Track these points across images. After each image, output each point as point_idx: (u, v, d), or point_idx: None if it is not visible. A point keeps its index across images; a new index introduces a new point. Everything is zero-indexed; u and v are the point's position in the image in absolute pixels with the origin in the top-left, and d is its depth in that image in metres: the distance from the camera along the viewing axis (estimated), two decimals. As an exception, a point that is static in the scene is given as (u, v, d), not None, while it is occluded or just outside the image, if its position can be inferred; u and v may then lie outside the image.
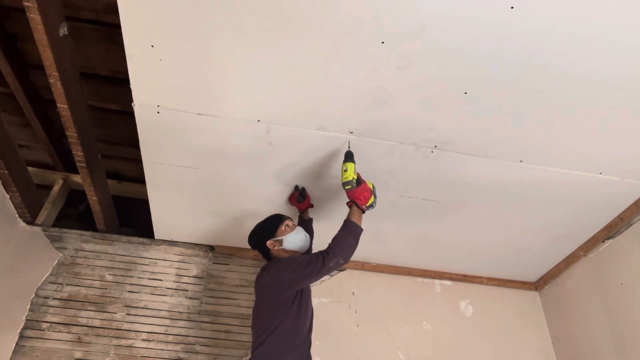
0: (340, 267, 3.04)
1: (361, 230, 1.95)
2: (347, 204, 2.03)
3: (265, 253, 2.13)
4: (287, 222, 2.15)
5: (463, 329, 3.02)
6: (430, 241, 2.84)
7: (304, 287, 1.98)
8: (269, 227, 2.13)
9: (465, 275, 3.18)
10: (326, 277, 3.01)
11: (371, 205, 2.03)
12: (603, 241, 2.70)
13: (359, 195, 1.96)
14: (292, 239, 2.08)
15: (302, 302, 1.97)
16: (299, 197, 2.37)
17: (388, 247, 2.91)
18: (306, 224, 2.42)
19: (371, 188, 2.03)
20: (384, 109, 1.95)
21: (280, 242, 2.08)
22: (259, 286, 2.04)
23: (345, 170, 1.96)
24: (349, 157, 2.02)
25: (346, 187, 1.95)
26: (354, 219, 1.95)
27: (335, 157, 2.20)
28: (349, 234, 1.92)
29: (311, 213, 2.51)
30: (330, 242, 1.92)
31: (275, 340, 1.89)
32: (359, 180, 1.98)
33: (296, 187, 2.40)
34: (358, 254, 2.96)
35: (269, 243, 2.08)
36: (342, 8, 1.57)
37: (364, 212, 1.99)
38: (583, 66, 1.73)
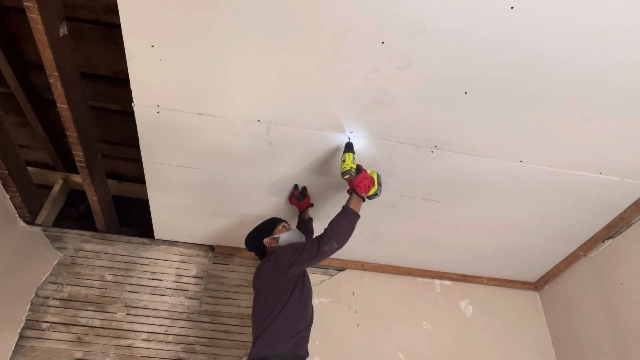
0: (336, 266, 3.05)
1: (357, 216, 1.98)
2: (348, 191, 2.06)
3: (262, 252, 2.19)
4: (284, 224, 2.24)
5: (463, 329, 3.02)
6: (430, 241, 2.84)
7: (302, 270, 2.02)
8: (267, 227, 2.22)
9: (465, 275, 3.18)
10: (326, 277, 3.01)
11: (375, 194, 2.05)
12: (603, 241, 2.70)
13: (358, 182, 1.99)
14: (288, 238, 2.14)
15: (303, 292, 2.02)
16: (299, 196, 2.38)
17: (388, 247, 2.91)
18: (306, 224, 2.43)
19: (375, 177, 2.05)
20: (384, 109, 1.95)
21: (277, 239, 2.15)
22: (260, 274, 2.08)
23: (344, 161, 1.98)
24: (348, 147, 2.03)
25: (345, 177, 1.97)
26: (351, 205, 1.98)
27: (335, 156, 2.20)
28: (344, 219, 1.95)
29: (311, 213, 2.52)
30: (326, 227, 1.95)
31: (281, 323, 1.91)
32: (359, 170, 2.00)
33: (296, 185, 2.41)
34: (358, 254, 3.00)
35: (265, 241, 2.16)
36: (342, 8, 1.57)
37: (364, 200, 2.02)
38: (583, 66, 1.73)
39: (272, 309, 1.94)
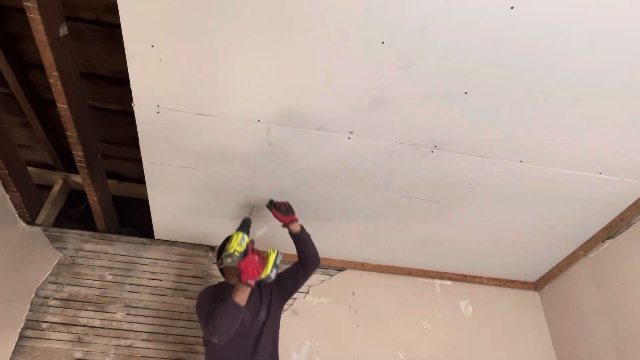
0: (336, 266, 3.04)
1: (238, 308, 1.83)
2: (235, 277, 1.93)
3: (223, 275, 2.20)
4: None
5: (463, 329, 3.02)
6: (430, 241, 2.84)
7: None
8: (221, 247, 2.18)
9: (465, 275, 3.18)
10: (326, 277, 3.02)
11: (268, 277, 1.86)
12: (603, 241, 2.70)
13: (243, 268, 1.84)
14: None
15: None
16: (276, 212, 2.25)
17: (388, 247, 2.91)
18: (296, 239, 2.25)
19: (271, 259, 1.88)
20: (384, 109, 1.95)
21: (222, 261, 2.01)
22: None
23: (228, 242, 1.89)
24: (241, 225, 1.94)
25: (227, 261, 1.84)
26: (234, 296, 1.84)
27: (336, 157, 2.20)
28: (224, 313, 1.84)
29: (308, 214, 2.48)
30: None
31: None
32: (246, 252, 1.87)
33: (271, 201, 2.30)
34: (358, 254, 3.00)
35: (218, 263, 2.16)
36: (342, 8, 1.57)
37: (252, 285, 1.85)
38: (583, 66, 1.73)
39: (204, 342, 2.00)
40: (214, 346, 1.93)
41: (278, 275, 1.91)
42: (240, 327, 1.90)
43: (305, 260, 2.24)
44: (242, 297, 1.84)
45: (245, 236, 1.89)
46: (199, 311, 1.99)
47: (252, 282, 1.84)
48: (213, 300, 1.96)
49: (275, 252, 1.91)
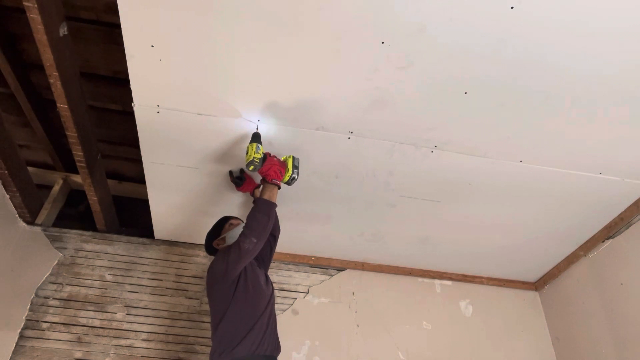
0: (336, 266, 3.04)
1: (272, 205, 1.95)
2: (260, 182, 2.02)
3: (216, 254, 2.19)
4: (232, 220, 2.23)
5: (463, 329, 3.02)
6: (430, 241, 2.84)
7: (236, 272, 1.95)
8: (215, 229, 2.23)
9: (465, 275, 3.18)
10: (326, 277, 3.01)
11: (292, 178, 2.00)
12: (603, 241, 2.70)
13: (266, 170, 1.95)
14: (234, 234, 2.11)
15: (247, 289, 1.97)
16: (237, 181, 2.29)
17: (388, 247, 2.91)
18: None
19: (289, 162, 2.01)
20: (384, 109, 1.95)
21: (224, 239, 2.15)
22: (206, 283, 2.09)
23: (247, 152, 1.92)
24: (253, 138, 1.97)
25: (250, 169, 1.90)
26: (264, 195, 1.96)
27: (336, 157, 2.20)
28: (258, 212, 1.92)
29: (308, 214, 2.49)
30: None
31: (222, 333, 1.91)
32: (265, 158, 1.95)
33: (230, 173, 2.32)
34: (358, 254, 3.00)
35: (214, 243, 2.18)
36: (342, 8, 1.57)
37: (279, 187, 1.99)
38: (583, 66, 1.73)
39: (214, 317, 1.96)
40: (226, 322, 1.90)
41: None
42: (257, 287, 1.99)
43: (274, 226, 2.26)
44: (271, 195, 1.94)
45: (260, 145, 1.93)
46: (220, 259, 1.96)
47: (278, 182, 1.94)
48: (226, 249, 2.00)
49: (292, 156, 2.02)
